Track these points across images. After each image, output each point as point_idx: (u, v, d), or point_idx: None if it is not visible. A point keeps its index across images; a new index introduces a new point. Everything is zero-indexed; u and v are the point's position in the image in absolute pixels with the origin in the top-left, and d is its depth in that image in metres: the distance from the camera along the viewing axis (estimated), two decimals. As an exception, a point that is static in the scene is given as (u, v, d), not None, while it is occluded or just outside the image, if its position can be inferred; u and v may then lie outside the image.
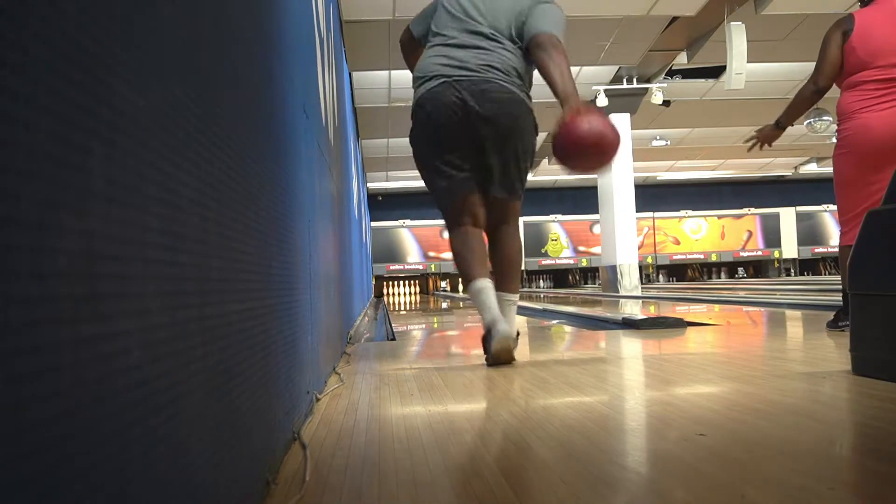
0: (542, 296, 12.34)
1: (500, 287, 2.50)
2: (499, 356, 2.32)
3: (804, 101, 3.04)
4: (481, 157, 2.43)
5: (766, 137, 3.21)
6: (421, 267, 16.65)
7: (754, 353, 2.71)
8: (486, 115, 2.36)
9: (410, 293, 16.61)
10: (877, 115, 2.79)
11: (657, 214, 17.05)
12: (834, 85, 3.00)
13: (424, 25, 2.58)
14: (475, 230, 2.52)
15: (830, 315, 3.22)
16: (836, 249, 3.64)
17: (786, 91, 9.72)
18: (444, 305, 9.94)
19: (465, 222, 2.50)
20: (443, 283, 17.13)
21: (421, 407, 1.69)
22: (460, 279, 2.55)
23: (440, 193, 2.52)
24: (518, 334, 2.57)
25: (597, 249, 14.54)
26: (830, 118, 9.98)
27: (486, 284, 2.43)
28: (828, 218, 17.25)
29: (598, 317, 4.87)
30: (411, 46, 2.67)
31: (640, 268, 12.11)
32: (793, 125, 3.15)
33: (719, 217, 17.44)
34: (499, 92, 2.36)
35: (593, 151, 2.25)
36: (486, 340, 2.38)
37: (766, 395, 1.69)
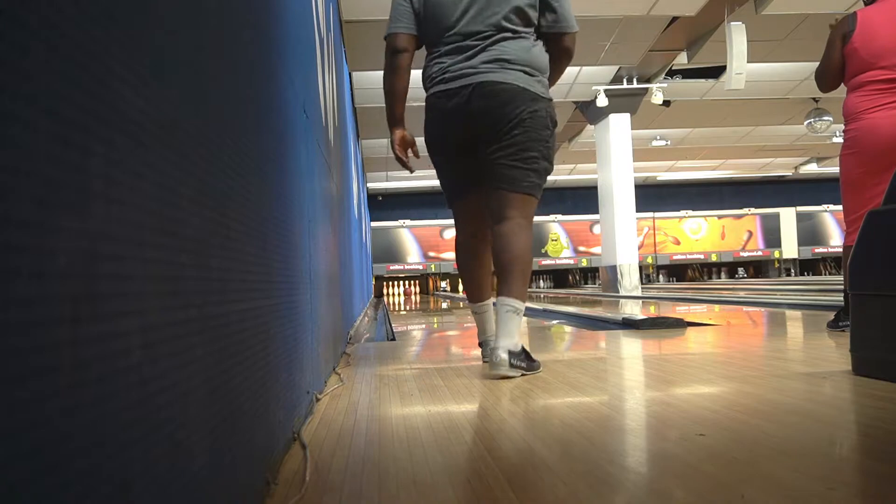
0: (542, 296, 12.33)
1: (499, 291, 2.22)
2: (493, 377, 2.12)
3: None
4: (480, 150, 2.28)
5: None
6: (421, 267, 16.64)
7: (754, 353, 2.71)
8: (477, 110, 2.23)
9: (411, 293, 16.60)
10: (884, 116, 2.79)
11: (657, 214, 17.04)
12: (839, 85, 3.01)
13: (413, 22, 2.50)
14: (480, 246, 2.43)
15: (830, 315, 3.23)
16: (836, 249, 3.63)
17: (786, 91, 9.72)
18: (444, 305, 9.93)
19: (467, 232, 2.45)
20: (443, 283, 17.12)
21: (421, 407, 1.69)
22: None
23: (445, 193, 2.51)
24: (523, 349, 2.17)
25: (597, 249, 14.54)
26: (831, 118, 9.98)
27: (480, 309, 2.43)
28: (828, 218, 17.23)
29: (598, 317, 4.87)
30: (412, 49, 2.56)
31: (640, 268, 12.10)
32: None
33: (719, 217, 17.43)
34: (492, 85, 2.22)
35: None
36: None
37: (766, 395, 1.69)
